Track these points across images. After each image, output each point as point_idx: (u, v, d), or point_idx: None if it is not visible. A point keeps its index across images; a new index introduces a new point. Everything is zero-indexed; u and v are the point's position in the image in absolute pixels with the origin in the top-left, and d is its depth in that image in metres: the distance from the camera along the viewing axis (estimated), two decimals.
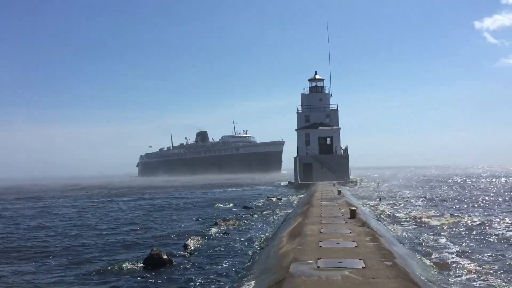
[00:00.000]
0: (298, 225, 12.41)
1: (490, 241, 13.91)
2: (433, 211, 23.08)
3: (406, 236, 14.93)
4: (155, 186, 65.94)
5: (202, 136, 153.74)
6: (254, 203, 29.85)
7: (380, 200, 29.27)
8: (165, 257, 11.71)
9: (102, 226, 20.28)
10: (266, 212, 23.59)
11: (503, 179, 60.93)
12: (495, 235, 14.93)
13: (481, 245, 13.24)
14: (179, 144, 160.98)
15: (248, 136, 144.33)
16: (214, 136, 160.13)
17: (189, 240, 14.44)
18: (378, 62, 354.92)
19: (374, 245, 8.78)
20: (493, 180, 60.18)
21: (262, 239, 14.64)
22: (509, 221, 18.42)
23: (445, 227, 16.88)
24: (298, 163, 51.68)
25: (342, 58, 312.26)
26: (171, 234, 16.93)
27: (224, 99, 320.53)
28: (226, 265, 11.49)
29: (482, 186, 46.79)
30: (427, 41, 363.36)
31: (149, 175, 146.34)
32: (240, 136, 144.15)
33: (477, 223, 17.89)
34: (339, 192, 23.34)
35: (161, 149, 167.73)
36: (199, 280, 10.14)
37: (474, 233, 15.45)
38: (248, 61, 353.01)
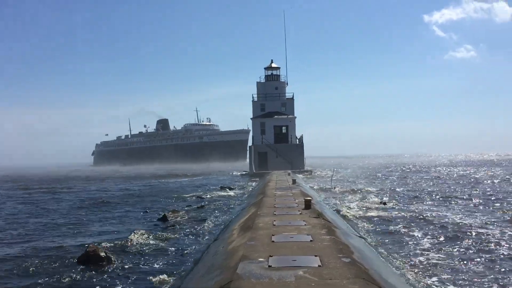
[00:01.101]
0: (251, 217, 11.60)
1: (445, 231, 13.73)
2: (385, 198, 23.10)
3: (363, 226, 14.53)
4: (107, 176, 63.17)
5: (163, 124, 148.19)
6: (207, 193, 28.84)
7: (334, 189, 29.14)
8: (102, 254, 10.55)
9: (34, 221, 18.56)
10: (218, 202, 22.67)
11: (458, 168, 63.36)
12: (449, 224, 14.83)
13: (438, 235, 13.01)
14: (138, 132, 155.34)
15: (212, 124, 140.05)
16: (176, 124, 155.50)
17: (133, 234, 13.27)
18: (333, 54, 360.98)
19: (330, 238, 8.09)
20: (444, 168, 62.41)
21: (213, 232, 13.72)
22: (457, 209, 18.57)
23: (398, 215, 16.69)
24: (253, 152, 51.04)
25: (299, 48, 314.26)
26: (114, 229, 15.65)
27: (185, 86, 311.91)
28: (170, 262, 10.50)
29: (436, 175, 48.21)
30: (380, 34, 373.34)
31: (106, 164, 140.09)
32: (204, 124, 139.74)
33: (429, 212, 17.88)
34: (294, 181, 22.80)
35: (118, 137, 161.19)
36: (137, 279, 9.12)
37: (427, 222, 15.31)
38: (207, 46, 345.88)
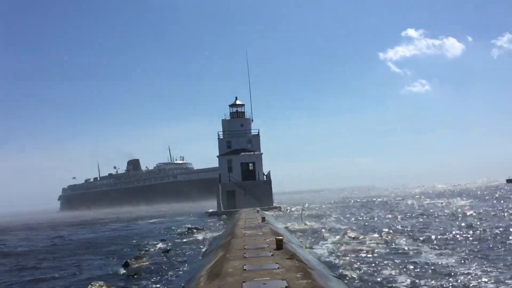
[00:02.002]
0: (219, 262, 10.73)
1: (423, 268, 13.25)
2: (360, 231, 22.65)
3: (339, 263, 13.86)
4: (68, 223, 59.99)
5: (134, 164, 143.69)
6: (174, 235, 27.50)
7: (305, 224, 28.47)
8: None
9: None
10: (185, 246, 21.49)
11: (410, 201, 64.29)
12: (427, 263, 14.40)
13: (418, 273, 12.49)
14: (107, 174, 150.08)
15: (186, 163, 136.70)
16: (147, 164, 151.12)
17: (90, 287, 12.03)
18: (294, 92, 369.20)
19: (307, 283, 7.38)
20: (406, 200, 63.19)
21: (177, 281, 12.67)
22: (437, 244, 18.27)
23: (373, 247, 16.17)
24: (221, 191, 50.00)
25: (262, 85, 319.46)
26: (69, 280, 14.26)
27: (153, 125, 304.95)
28: None
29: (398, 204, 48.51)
30: (338, 71, 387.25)
31: (73, 210, 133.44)
32: (177, 163, 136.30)
33: (407, 246, 17.47)
34: (263, 219, 22.05)
35: (87, 180, 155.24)
36: None
37: (405, 255, 14.84)
38: (173, 83, 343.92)
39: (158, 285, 12.44)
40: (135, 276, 13.97)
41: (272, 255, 10.56)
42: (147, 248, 21.57)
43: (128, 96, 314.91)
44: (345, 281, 10.54)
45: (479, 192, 71.34)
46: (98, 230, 39.51)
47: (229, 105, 56.68)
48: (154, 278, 13.53)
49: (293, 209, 49.23)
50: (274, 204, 49.98)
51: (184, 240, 24.05)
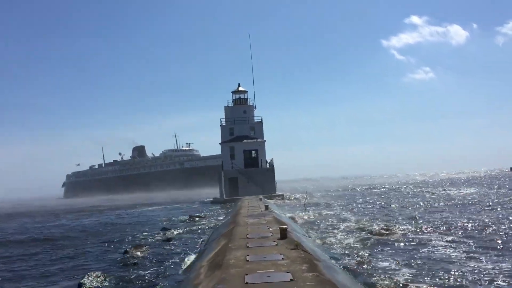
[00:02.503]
0: (221, 251, 10.26)
1: (432, 256, 12.76)
2: (366, 219, 22.18)
3: (344, 252, 13.39)
4: (69, 209, 59.82)
5: (139, 151, 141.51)
6: (176, 223, 27.14)
7: (309, 212, 28.04)
8: None
9: None
10: (186, 234, 21.09)
11: (410, 186, 63.76)
12: (435, 246, 13.91)
13: (430, 261, 12.00)
14: (112, 161, 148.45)
15: (192, 150, 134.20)
16: (153, 151, 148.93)
17: (86, 277, 11.59)
18: (296, 79, 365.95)
19: (313, 276, 6.88)
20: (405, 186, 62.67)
21: (178, 271, 12.23)
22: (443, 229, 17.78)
23: (380, 239, 15.69)
24: (223, 178, 49.58)
25: (265, 72, 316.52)
26: (64, 272, 13.83)
27: (159, 113, 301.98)
28: None
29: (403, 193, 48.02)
30: (341, 59, 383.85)
31: (78, 196, 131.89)
32: (184, 150, 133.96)
33: (411, 232, 16.98)
34: (267, 207, 21.57)
35: (91, 167, 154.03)
36: None
37: (414, 245, 14.35)
38: (176, 72, 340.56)
39: (157, 275, 12.00)
40: (134, 265, 13.55)
41: (276, 244, 10.08)
42: (147, 237, 21.19)
43: (131, 84, 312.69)
44: (352, 274, 10.05)
45: (489, 181, 70.76)
46: (99, 217, 39.23)
47: (232, 92, 55.93)
48: (154, 268, 13.11)
49: (297, 196, 48.82)
50: (277, 192, 49.56)
51: (186, 228, 23.64)
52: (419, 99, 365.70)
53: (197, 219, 29.01)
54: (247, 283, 6.67)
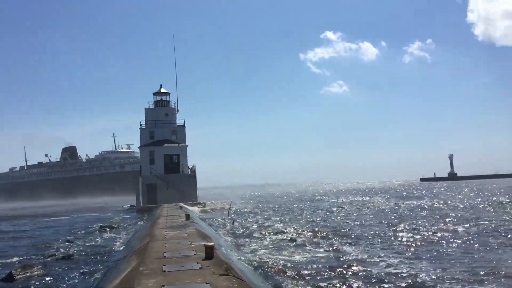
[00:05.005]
0: (128, 279, 7.98)
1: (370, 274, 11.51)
2: (290, 231, 20.84)
3: (279, 271, 11.68)
4: None
5: (70, 152, 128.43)
6: (82, 236, 23.76)
7: (233, 223, 26.20)
8: None
9: None
10: (92, 249, 18.09)
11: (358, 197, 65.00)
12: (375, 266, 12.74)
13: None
14: (37, 163, 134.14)
15: (133, 152, 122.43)
16: (86, 152, 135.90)
17: None
18: (218, 91, 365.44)
19: None
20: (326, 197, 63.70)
21: None
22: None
23: (312, 255, 14.29)
24: (141, 184, 46.13)
25: (189, 80, 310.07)
26: None
27: (91, 112, 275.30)
28: None
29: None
30: (262, 71, 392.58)
31: None
32: (123, 152, 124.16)
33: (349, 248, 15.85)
34: (188, 217, 19.33)
35: (12, 169, 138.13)
36: None
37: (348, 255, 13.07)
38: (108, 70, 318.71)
39: None
40: None
41: (200, 267, 8.04)
42: (46, 252, 17.84)
43: (58, 80, 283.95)
44: None
45: (399, 190, 74.27)
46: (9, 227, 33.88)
47: (153, 93, 52.74)
48: None
49: (219, 205, 46.77)
50: (199, 200, 47.17)
51: (92, 242, 20.49)
52: (334, 111, 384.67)
53: (108, 230, 25.82)
54: None
